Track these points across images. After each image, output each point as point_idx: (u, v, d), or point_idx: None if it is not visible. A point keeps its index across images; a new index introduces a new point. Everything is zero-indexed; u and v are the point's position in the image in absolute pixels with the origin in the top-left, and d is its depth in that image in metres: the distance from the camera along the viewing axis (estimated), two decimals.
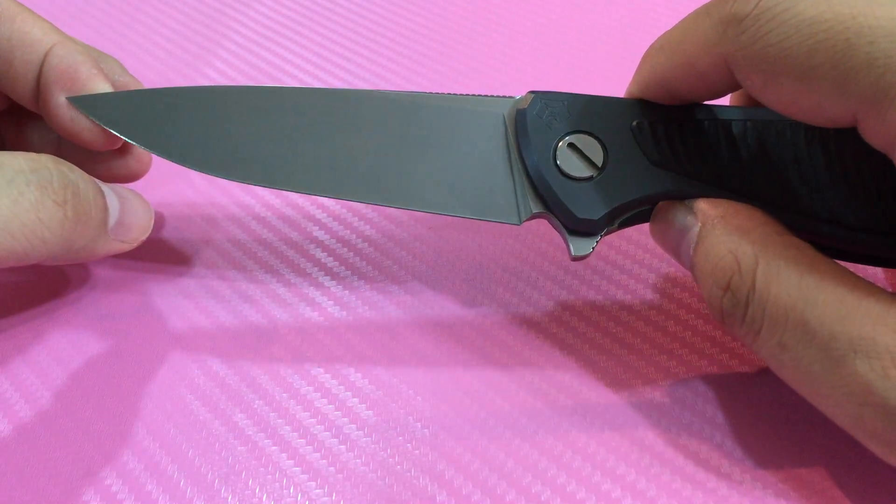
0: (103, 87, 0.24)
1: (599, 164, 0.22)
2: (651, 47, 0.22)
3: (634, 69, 0.23)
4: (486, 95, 0.24)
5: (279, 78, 0.36)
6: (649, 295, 0.26)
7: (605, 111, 0.23)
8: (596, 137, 0.22)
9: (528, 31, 0.39)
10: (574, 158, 0.22)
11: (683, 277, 0.27)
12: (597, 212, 0.22)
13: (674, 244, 0.23)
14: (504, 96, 0.24)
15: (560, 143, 0.23)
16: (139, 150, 0.26)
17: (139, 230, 0.25)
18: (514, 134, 0.23)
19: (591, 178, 0.22)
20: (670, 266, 0.27)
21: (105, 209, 0.23)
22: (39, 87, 0.24)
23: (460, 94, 0.24)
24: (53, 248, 0.21)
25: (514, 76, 0.36)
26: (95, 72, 0.24)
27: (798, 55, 0.18)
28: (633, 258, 0.27)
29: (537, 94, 0.23)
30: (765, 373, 0.24)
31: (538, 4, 0.41)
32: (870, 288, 0.18)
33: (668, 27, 0.22)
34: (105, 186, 0.24)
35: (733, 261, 0.20)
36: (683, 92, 0.22)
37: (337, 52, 0.38)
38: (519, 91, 0.24)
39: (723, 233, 0.21)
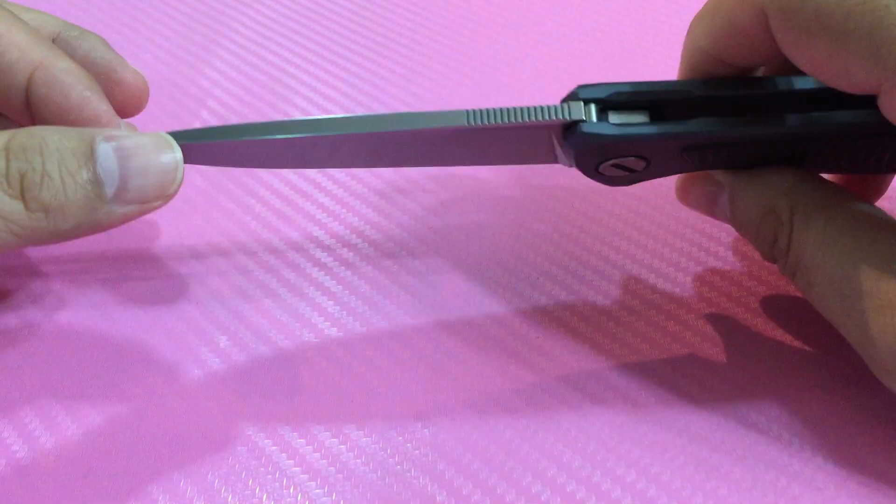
0: (100, 108, 0.23)
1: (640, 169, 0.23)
2: (693, 18, 0.22)
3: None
4: (530, 107, 0.22)
5: (279, 78, 0.36)
6: (649, 295, 0.26)
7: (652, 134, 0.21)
8: (644, 159, 0.22)
9: (530, 29, 0.39)
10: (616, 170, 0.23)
11: (683, 278, 0.27)
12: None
13: (707, 208, 0.24)
14: (549, 106, 0.22)
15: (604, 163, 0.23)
16: (128, 78, 0.25)
17: (155, 189, 0.20)
18: (559, 141, 0.23)
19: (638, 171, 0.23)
20: (670, 266, 0.27)
21: (92, 180, 0.19)
22: (31, 109, 0.23)
23: (503, 108, 0.22)
24: (33, 238, 0.19)
25: (514, 75, 0.36)
26: (88, 94, 0.23)
27: (835, 15, 0.17)
28: (633, 258, 0.27)
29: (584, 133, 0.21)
30: (765, 373, 0.24)
31: (542, 4, 0.41)
32: (885, 229, 0.20)
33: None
34: (100, 145, 0.20)
35: (775, 216, 0.21)
36: (729, 55, 0.21)
37: (337, 51, 0.38)
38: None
39: (756, 192, 0.22)
